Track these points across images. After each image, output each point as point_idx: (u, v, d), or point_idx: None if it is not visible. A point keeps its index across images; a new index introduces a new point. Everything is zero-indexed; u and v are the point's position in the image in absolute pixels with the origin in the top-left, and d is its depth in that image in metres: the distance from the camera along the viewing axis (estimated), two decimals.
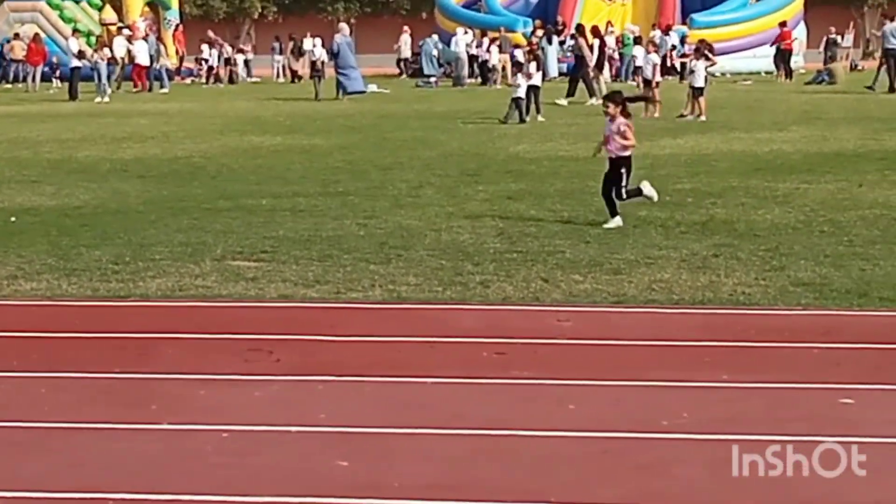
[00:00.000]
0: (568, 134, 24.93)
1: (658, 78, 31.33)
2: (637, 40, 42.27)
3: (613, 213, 13.36)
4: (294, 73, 53.38)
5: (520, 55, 32.43)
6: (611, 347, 8.58)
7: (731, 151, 20.94)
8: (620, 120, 13.52)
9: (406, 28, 58.54)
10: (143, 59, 46.51)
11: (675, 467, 6.21)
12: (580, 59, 36.26)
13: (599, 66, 37.45)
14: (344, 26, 42.30)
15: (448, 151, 21.86)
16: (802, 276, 10.54)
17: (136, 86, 45.68)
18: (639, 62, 37.38)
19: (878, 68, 39.81)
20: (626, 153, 13.56)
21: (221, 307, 9.96)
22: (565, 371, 7.92)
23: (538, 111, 29.13)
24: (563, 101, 34.08)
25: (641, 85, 32.47)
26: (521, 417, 6.99)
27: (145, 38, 47.96)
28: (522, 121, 27.81)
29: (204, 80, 53.08)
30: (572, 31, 42.85)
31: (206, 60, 53.42)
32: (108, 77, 43.13)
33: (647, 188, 13.80)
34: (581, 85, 35.19)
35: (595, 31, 38.67)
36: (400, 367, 8.08)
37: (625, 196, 13.53)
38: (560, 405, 7.20)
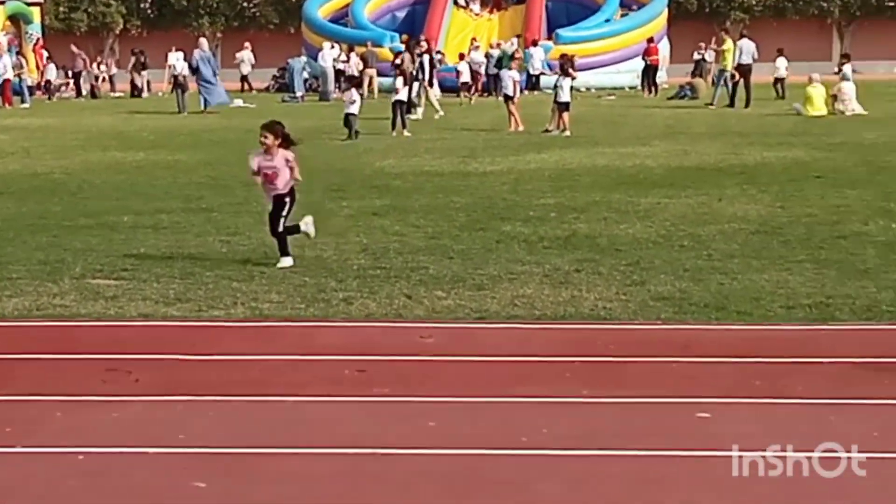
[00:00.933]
0: (433, 149, 25.00)
1: (517, 93, 31.48)
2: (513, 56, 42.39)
3: (284, 252, 12.14)
4: (134, 87, 53.14)
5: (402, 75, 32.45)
6: (472, 363, 8.60)
7: (594, 166, 21.14)
8: (284, 153, 12.34)
9: (246, 44, 57.95)
10: (7, 74, 45.75)
11: (535, 483, 6.24)
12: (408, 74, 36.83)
13: (429, 82, 37.77)
14: (203, 41, 42.80)
15: (313, 167, 21.68)
16: (662, 291, 10.66)
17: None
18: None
19: (715, 84, 40.77)
20: (288, 188, 12.40)
21: (80, 327, 9.81)
22: (427, 387, 7.92)
23: (404, 126, 29.20)
24: (414, 116, 34.51)
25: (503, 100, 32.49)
26: (383, 435, 6.97)
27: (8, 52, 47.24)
28: (350, 137, 27.67)
29: (65, 94, 52.50)
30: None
31: (68, 75, 52.95)
32: None
33: (306, 224, 12.52)
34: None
35: (424, 47, 38.85)
36: (261, 385, 8.02)
37: (281, 230, 12.22)
38: (421, 422, 7.20)
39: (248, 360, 8.72)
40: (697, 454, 6.59)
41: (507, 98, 31.18)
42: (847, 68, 36.38)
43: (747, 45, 39.64)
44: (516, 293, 10.64)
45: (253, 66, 56.43)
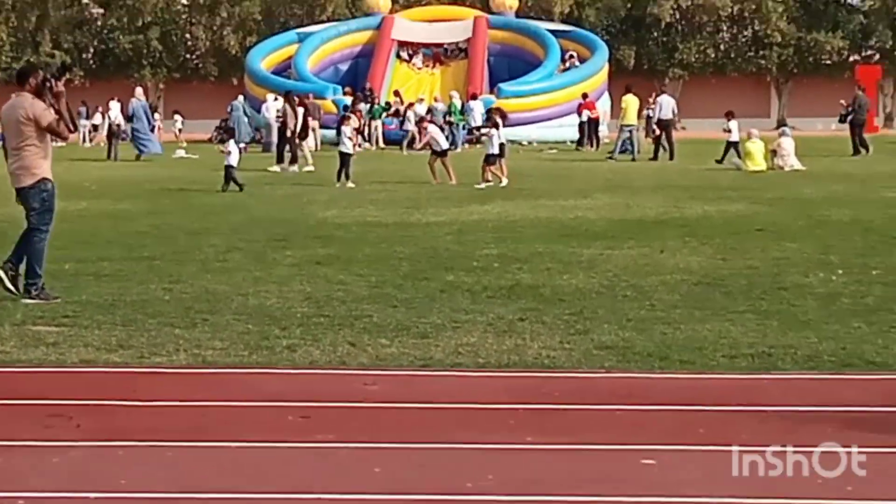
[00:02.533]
0: (377, 200, 25.04)
1: (445, 146, 31.57)
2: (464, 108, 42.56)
3: None
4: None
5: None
6: (417, 410, 8.58)
7: (537, 218, 21.23)
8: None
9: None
10: None
11: None
12: (284, 125, 37.48)
13: (303, 135, 37.96)
14: (139, 90, 43.24)
15: (257, 217, 21.77)
16: (606, 340, 10.69)
17: None
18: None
19: (656, 140, 41.31)
20: None
21: (20, 373, 9.72)
22: (371, 434, 7.89)
23: (347, 178, 29.24)
24: (275, 168, 35.59)
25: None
26: (327, 481, 6.93)
27: None
28: (223, 189, 27.52)
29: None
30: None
31: None
32: None
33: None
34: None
35: (299, 101, 38.98)
36: (204, 431, 7.97)
37: None
38: (365, 468, 7.17)
39: (190, 407, 8.66)
40: (642, 500, 6.59)
41: (442, 153, 30.93)
42: (787, 128, 36.79)
43: (667, 101, 40.45)
44: (460, 341, 10.64)
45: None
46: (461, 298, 12.87)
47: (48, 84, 13.08)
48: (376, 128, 51.61)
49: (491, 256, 16.12)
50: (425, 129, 33.52)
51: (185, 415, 8.46)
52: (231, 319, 11.66)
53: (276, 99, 49.98)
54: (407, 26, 59.79)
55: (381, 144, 51.35)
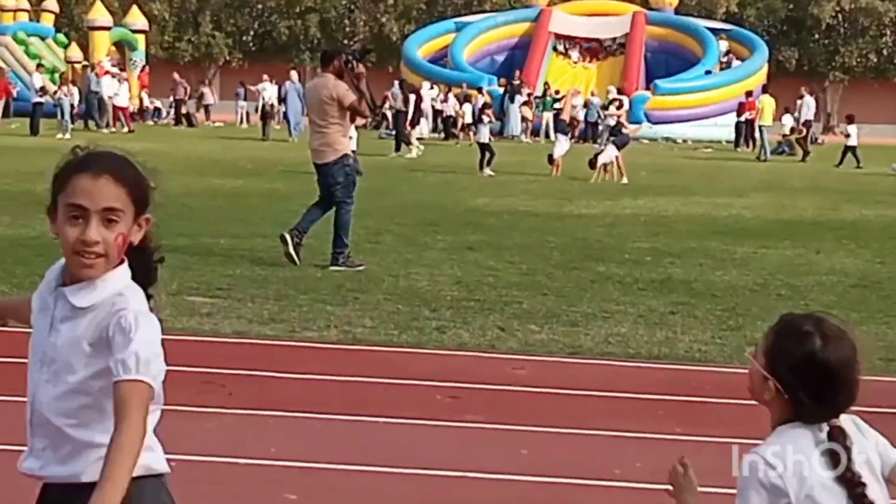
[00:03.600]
0: (528, 190, 25.00)
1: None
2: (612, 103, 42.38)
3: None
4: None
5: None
6: (565, 396, 8.54)
7: (690, 214, 21.02)
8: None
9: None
10: (121, 100, 46.61)
11: None
12: (400, 113, 38.67)
13: (414, 122, 38.67)
14: (294, 73, 43.72)
15: (408, 201, 21.87)
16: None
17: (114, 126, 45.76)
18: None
19: (801, 141, 41.12)
20: None
21: (175, 340, 9.85)
22: (519, 417, 7.87)
23: (489, 165, 29.36)
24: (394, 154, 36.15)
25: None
26: (473, 460, 6.93)
27: (114, 77, 48.17)
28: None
29: (163, 121, 53.44)
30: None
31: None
32: (92, 114, 43.56)
33: None
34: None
35: (411, 88, 39.65)
36: (352, 406, 8.01)
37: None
38: (513, 450, 7.15)
39: (339, 381, 8.73)
40: None
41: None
42: None
43: (810, 102, 39.93)
44: (610, 331, 10.58)
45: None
46: (612, 289, 12.79)
47: (350, 65, 13.93)
48: (547, 121, 50.97)
49: (643, 250, 15.99)
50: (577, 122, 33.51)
51: (334, 389, 8.52)
52: (381, 299, 11.72)
53: (431, 87, 50.20)
54: (565, 19, 59.53)
55: (553, 136, 50.96)
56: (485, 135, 30.50)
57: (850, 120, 38.01)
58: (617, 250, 15.85)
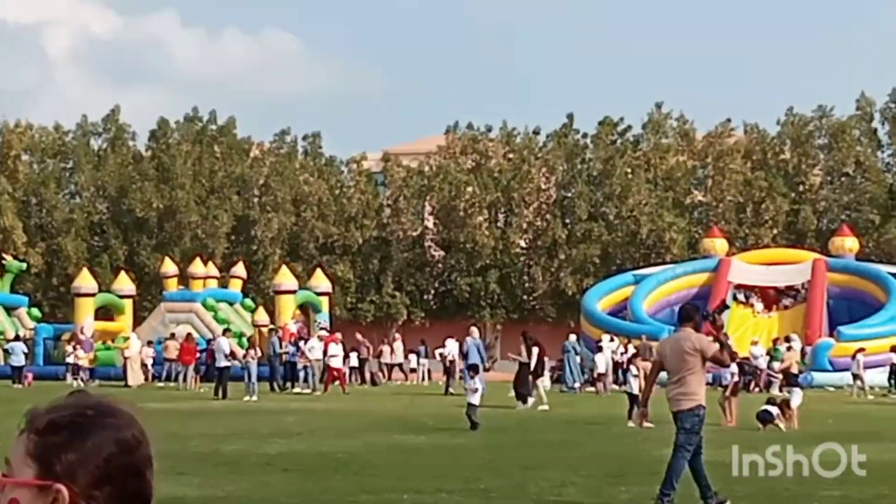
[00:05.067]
0: (711, 440, 24.62)
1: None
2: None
3: None
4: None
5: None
6: None
7: (881, 461, 20.49)
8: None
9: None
10: (336, 361, 47.16)
11: None
12: (523, 365, 37.37)
13: (537, 374, 37.76)
14: (474, 329, 44.14)
15: (591, 452, 21.75)
16: None
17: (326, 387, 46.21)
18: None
19: None
20: None
21: None
22: None
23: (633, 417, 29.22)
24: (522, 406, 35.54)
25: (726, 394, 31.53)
26: None
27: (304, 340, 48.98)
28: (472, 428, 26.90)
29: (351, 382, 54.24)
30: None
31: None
32: (275, 376, 44.40)
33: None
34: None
35: (533, 339, 38.68)
36: None
37: None
38: None
39: None
40: None
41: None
42: None
43: None
44: None
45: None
46: None
47: (711, 318, 15.54)
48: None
49: (832, 498, 15.61)
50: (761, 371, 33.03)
51: None
52: None
53: (611, 340, 50.26)
54: (744, 268, 59.53)
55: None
56: (635, 386, 30.37)
57: None
58: (807, 498, 15.50)
